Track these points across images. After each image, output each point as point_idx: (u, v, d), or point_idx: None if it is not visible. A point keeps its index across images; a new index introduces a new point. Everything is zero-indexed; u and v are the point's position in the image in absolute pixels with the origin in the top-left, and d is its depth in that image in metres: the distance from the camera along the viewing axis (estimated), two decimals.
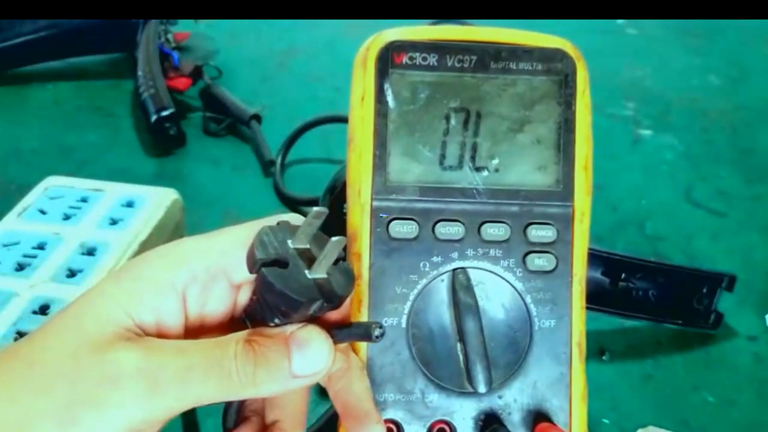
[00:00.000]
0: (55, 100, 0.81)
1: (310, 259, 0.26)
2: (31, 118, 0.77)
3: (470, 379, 0.30)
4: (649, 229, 0.63)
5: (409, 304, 0.31)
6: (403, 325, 0.31)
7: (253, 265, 0.26)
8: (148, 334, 0.25)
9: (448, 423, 0.31)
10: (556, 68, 0.32)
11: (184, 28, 0.88)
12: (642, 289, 0.49)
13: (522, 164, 0.32)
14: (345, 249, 0.29)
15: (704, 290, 0.49)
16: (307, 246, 0.27)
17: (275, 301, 0.25)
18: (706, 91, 0.87)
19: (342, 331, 0.27)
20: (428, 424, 0.31)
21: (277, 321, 0.26)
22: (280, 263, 0.26)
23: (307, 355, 0.25)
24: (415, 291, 0.31)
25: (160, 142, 0.71)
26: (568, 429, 0.31)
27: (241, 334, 0.26)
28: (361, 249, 0.31)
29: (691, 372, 0.49)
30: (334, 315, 0.28)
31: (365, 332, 0.26)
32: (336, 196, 0.49)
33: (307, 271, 0.26)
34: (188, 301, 0.27)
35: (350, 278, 0.27)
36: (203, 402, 0.25)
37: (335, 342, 0.26)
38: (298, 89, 0.84)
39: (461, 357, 0.31)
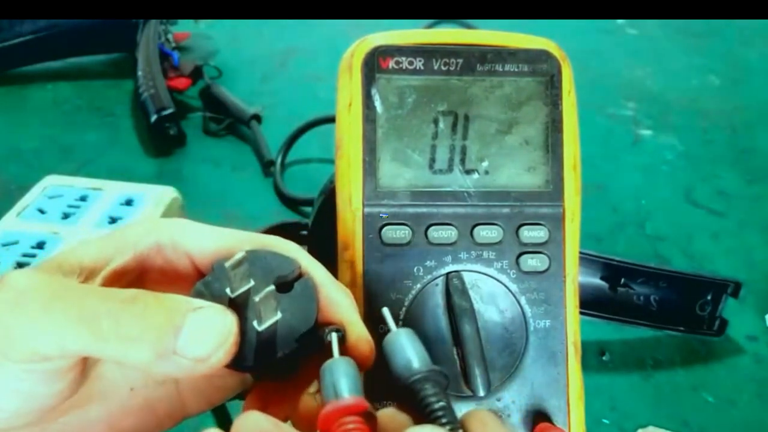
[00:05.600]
0: (55, 100, 0.81)
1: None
2: (31, 118, 0.77)
3: (468, 382, 0.30)
4: (649, 229, 0.62)
5: (404, 309, 0.31)
6: None
7: None
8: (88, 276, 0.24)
9: None
10: (542, 69, 0.32)
11: (184, 28, 0.88)
12: (643, 294, 0.48)
13: (511, 166, 0.32)
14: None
15: (709, 297, 0.48)
16: (248, 286, 0.24)
17: None
18: (706, 91, 0.86)
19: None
20: None
21: None
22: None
23: (200, 331, 0.22)
24: (410, 296, 0.31)
25: (160, 142, 0.71)
26: (567, 428, 0.31)
27: None
28: (354, 256, 0.31)
29: (691, 372, 0.49)
30: None
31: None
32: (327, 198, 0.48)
33: (255, 323, 0.23)
34: (151, 266, 0.26)
35: (309, 301, 0.24)
36: (66, 343, 0.21)
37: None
38: (298, 89, 0.84)
39: (458, 361, 0.31)
